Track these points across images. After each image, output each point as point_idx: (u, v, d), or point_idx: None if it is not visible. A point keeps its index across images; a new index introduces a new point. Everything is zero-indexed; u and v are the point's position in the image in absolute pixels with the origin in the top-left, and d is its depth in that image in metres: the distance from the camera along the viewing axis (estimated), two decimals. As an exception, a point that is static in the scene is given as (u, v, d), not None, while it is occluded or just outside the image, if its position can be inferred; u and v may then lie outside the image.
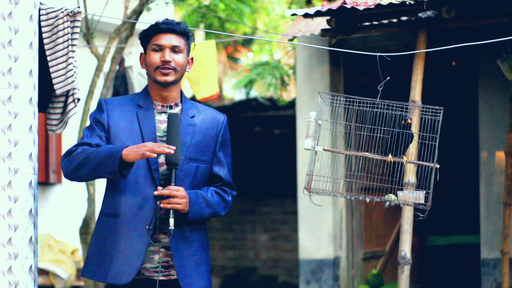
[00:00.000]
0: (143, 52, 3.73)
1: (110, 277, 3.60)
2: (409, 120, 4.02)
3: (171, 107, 3.70)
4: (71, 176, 3.62)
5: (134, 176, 3.61)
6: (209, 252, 3.77)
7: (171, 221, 3.53)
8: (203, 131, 3.69)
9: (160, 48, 3.64)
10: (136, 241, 3.58)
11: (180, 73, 3.67)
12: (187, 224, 3.62)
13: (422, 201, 4.01)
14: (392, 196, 4.11)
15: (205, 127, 3.70)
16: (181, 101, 3.74)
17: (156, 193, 3.53)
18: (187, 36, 3.70)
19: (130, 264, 3.57)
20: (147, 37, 3.69)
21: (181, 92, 3.76)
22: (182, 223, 3.59)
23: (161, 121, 3.66)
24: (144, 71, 7.79)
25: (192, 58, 3.77)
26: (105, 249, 3.63)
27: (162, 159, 3.61)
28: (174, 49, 3.65)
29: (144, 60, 3.72)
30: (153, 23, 3.69)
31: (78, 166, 3.56)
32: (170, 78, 3.64)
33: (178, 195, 3.54)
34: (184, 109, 3.70)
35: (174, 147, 3.48)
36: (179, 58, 3.65)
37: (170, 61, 3.62)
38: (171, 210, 3.53)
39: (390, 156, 4.03)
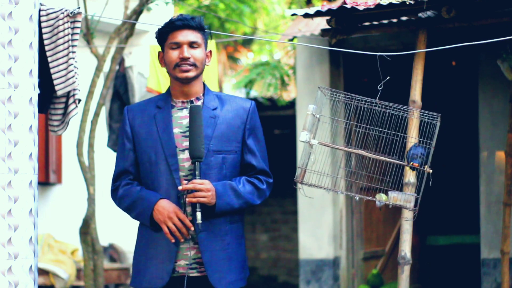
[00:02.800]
0: (161, 51, 3.70)
1: (145, 281, 3.64)
2: (415, 164, 4.01)
3: (192, 102, 3.66)
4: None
5: (157, 180, 3.62)
6: (243, 244, 3.70)
7: (198, 215, 3.50)
8: (227, 122, 3.64)
9: (177, 46, 3.61)
10: (166, 244, 3.59)
11: (200, 68, 3.64)
12: (218, 216, 3.59)
13: (412, 204, 4.02)
14: (383, 196, 4.12)
15: (228, 117, 3.65)
16: (204, 94, 3.69)
17: (180, 188, 3.52)
18: (203, 29, 3.66)
19: (163, 268, 3.59)
20: (163, 35, 3.66)
21: (204, 85, 3.72)
22: (211, 215, 3.57)
23: (182, 117, 3.64)
24: (144, 71, 7.80)
25: (210, 51, 3.72)
26: (141, 255, 3.67)
27: (186, 155, 3.59)
28: (192, 45, 3.61)
29: (162, 59, 3.69)
30: (168, 21, 3.65)
31: (126, 211, 3.73)
32: (191, 74, 3.61)
33: (203, 188, 3.51)
34: (205, 102, 3.66)
35: (191, 227, 3.55)
36: (198, 53, 3.62)
37: (189, 58, 3.59)
38: (197, 204, 3.51)
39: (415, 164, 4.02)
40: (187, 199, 3.52)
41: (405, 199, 4.02)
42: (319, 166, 4.10)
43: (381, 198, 4.10)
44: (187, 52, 3.60)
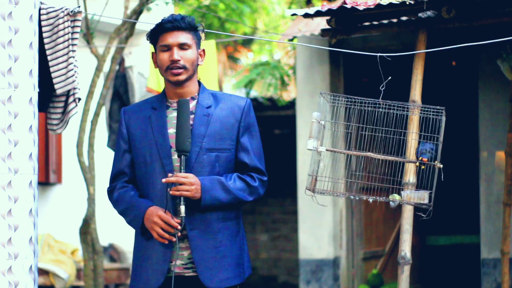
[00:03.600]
0: (154, 52, 3.70)
1: (142, 282, 3.64)
2: (424, 159, 4.00)
3: None
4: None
5: (152, 181, 3.62)
6: (238, 240, 3.69)
7: (182, 208, 3.51)
8: (221, 120, 3.64)
9: (168, 48, 3.61)
10: (162, 245, 3.60)
11: (191, 70, 3.63)
12: (207, 211, 3.58)
13: (427, 201, 3.99)
14: (397, 196, 4.10)
15: (222, 115, 3.64)
16: (198, 93, 3.69)
17: (164, 180, 3.52)
18: (194, 29, 3.65)
19: (158, 268, 3.59)
20: (154, 37, 3.66)
21: (200, 84, 3.72)
22: (198, 209, 3.57)
23: (176, 118, 3.62)
24: (144, 71, 7.80)
25: (203, 50, 3.71)
26: (138, 257, 3.69)
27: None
28: (182, 46, 3.61)
29: (156, 60, 3.69)
30: (158, 21, 3.65)
31: (121, 214, 3.74)
32: (182, 77, 3.61)
33: (186, 182, 3.50)
34: (199, 100, 3.66)
35: (179, 228, 3.53)
36: (188, 55, 3.61)
37: (179, 60, 3.58)
38: (182, 198, 3.51)
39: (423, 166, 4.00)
40: (170, 192, 3.52)
41: (418, 196, 4.00)
42: (326, 172, 4.09)
43: (394, 198, 4.08)
44: (177, 54, 3.59)
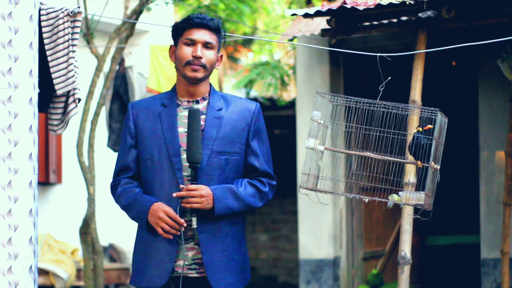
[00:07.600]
0: (173, 45, 3.69)
1: (145, 281, 3.64)
2: (427, 126, 3.98)
3: (197, 102, 3.66)
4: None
5: (159, 178, 3.62)
6: (244, 245, 3.71)
7: (193, 220, 3.52)
8: (232, 123, 3.64)
9: (192, 43, 3.60)
10: (167, 244, 3.60)
11: (209, 70, 3.64)
12: (219, 219, 3.59)
13: (423, 202, 3.99)
14: (395, 197, 4.10)
15: (233, 118, 3.65)
16: (209, 94, 3.69)
17: (174, 195, 3.53)
18: (219, 32, 3.66)
19: (163, 267, 3.59)
20: (179, 30, 3.64)
21: (210, 85, 3.72)
22: (212, 219, 3.58)
23: (186, 117, 3.61)
24: (144, 71, 7.80)
25: (221, 56, 3.72)
26: (141, 254, 3.68)
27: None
28: (206, 45, 3.61)
29: (173, 53, 3.68)
30: (186, 17, 3.64)
31: (124, 209, 3.73)
32: (200, 74, 3.61)
33: (196, 194, 3.52)
34: (210, 103, 3.66)
35: (183, 223, 3.53)
36: (210, 55, 3.62)
37: (201, 57, 3.59)
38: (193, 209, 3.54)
39: (419, 162, 3.99)
40: (182, 204, 3.54)
41: (417, 197, 4.00)
42: (324, 171, 4.09)
43: (393, 198, 4.08)
44: (200, 51, 3.59)
